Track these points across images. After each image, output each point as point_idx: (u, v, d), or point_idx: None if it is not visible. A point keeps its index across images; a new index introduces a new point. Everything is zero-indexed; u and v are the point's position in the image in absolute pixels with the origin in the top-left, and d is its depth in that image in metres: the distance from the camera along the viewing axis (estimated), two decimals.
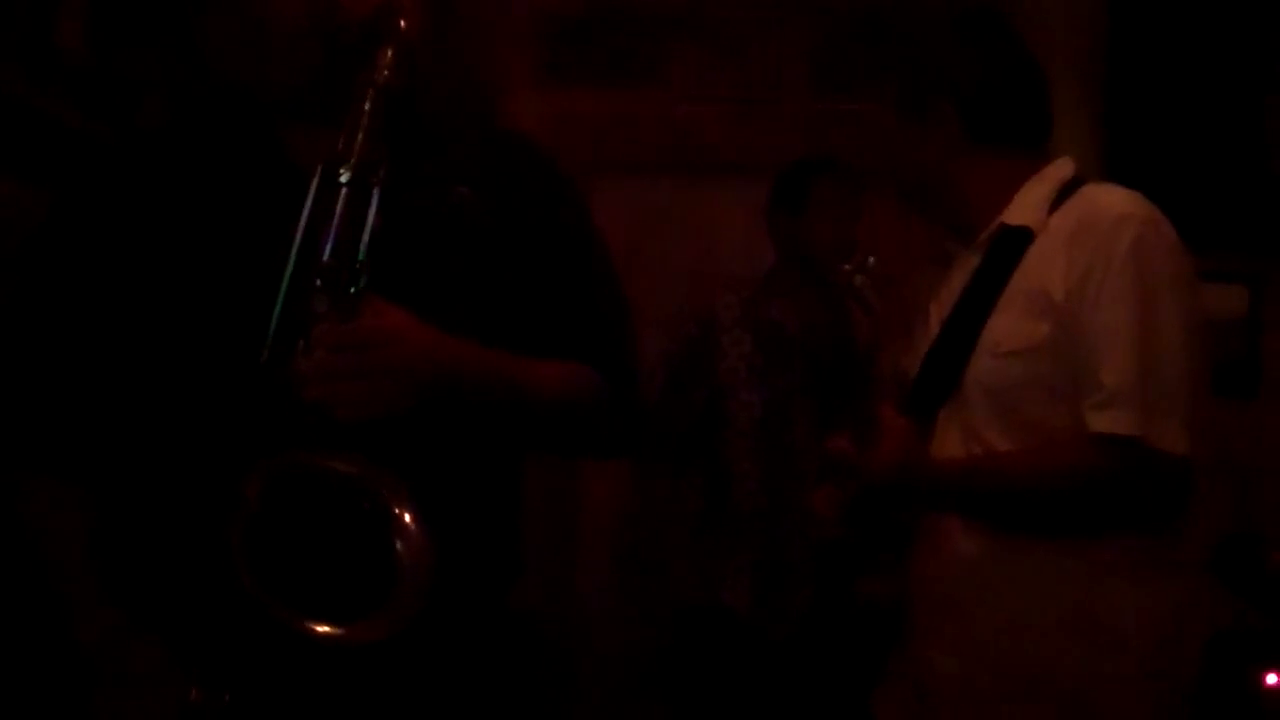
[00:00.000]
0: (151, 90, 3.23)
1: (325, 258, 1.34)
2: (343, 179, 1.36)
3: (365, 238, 1.35)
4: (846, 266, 2.07)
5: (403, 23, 1.44)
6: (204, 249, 1.50)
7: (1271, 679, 3.20)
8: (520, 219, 1.60)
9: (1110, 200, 1.92)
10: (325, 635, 1.31)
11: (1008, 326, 1.90)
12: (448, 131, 1.65)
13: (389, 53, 1.42)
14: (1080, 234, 1.87)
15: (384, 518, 1.29)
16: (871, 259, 2.06)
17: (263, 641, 1.34)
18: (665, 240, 4.36)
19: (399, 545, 1.28)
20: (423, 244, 1.51)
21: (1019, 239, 1.93)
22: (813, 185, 3.25)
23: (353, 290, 1.34)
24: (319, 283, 1.33)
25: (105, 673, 1.46)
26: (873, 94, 2.09)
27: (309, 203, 1.38)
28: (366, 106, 1.39)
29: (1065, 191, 1.96)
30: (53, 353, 1.54)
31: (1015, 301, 1.90)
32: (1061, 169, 2.00)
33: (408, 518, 1.29)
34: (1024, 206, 1.96)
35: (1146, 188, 1.94)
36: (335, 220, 1.35)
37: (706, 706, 3.23)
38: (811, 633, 3.09)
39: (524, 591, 1.67)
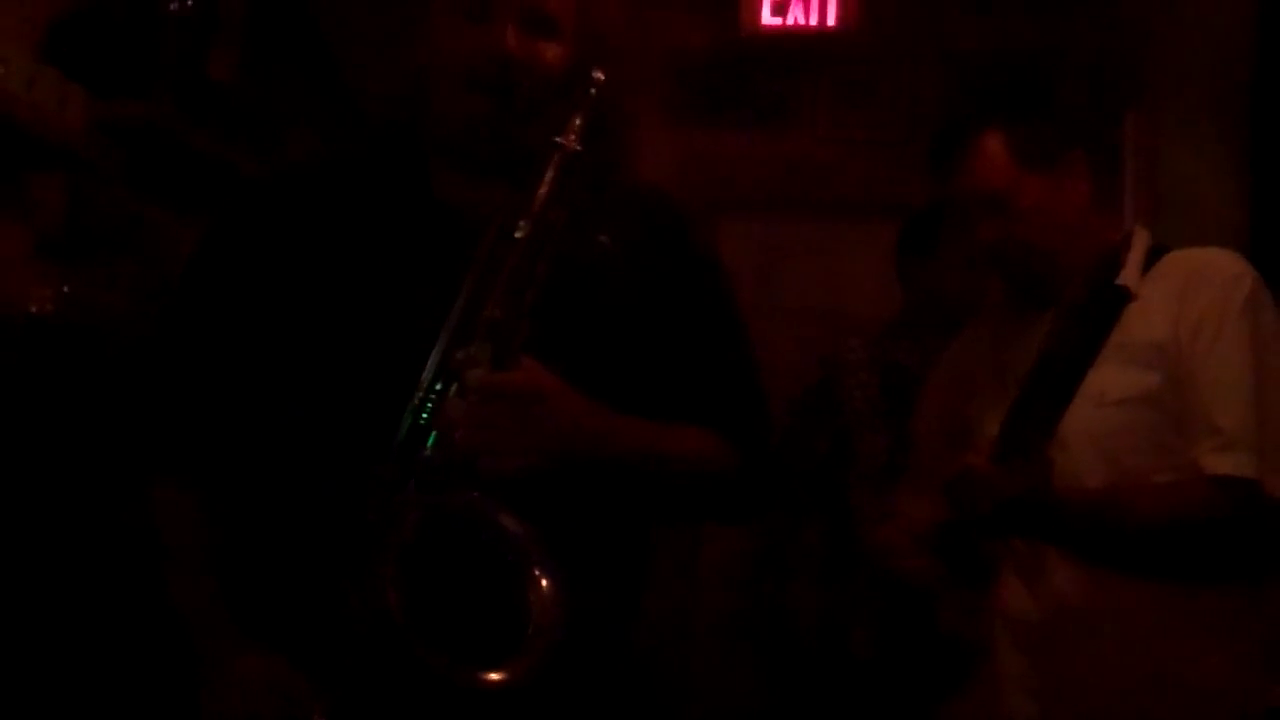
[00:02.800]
0: (298, 123, 3.32)
1: (490, 309, 1.36)
2: (518, 234, 1.38)
3: (532, 293, 1.37)
4: None
5: (593, 91, 1.46)
6: (351, 283, 1.51)
7: None
8: (656, 275, 1.61)
9: (1221, 259, 2.02)
10: (455, 677, 1.31)
11: (1112, 377, 1.93)
12: (596, 185, 1.65)
13: (578, 120, 1.44)
14: (1191, 289, 1.95)
15: (524, 573, 1.31)
16: None
17: (381, 676, 1.35)
18: (793, 281, 4.37)
19: (534, 602, 1.31)
20: (560, 290, 1.51)
21: (1115, 298, 1.95)
22: (944, 228, 3.21)
23: (512, 343, 1.36)
24: (481, 332, 1.36)
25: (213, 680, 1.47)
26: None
27: (480, 253, 1.40)
28: (552, 171, 1.41)
29: (1152, 256, 2.04)
30: (202, 372, 1.55)
31: (1116, 354, 1.93)
32: (1144, 236, 2.07)
33: (545, 580, 1.31)
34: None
35: None
36: (504, 273, 1.37)
37: None
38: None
39: (641, 632, 1.67)
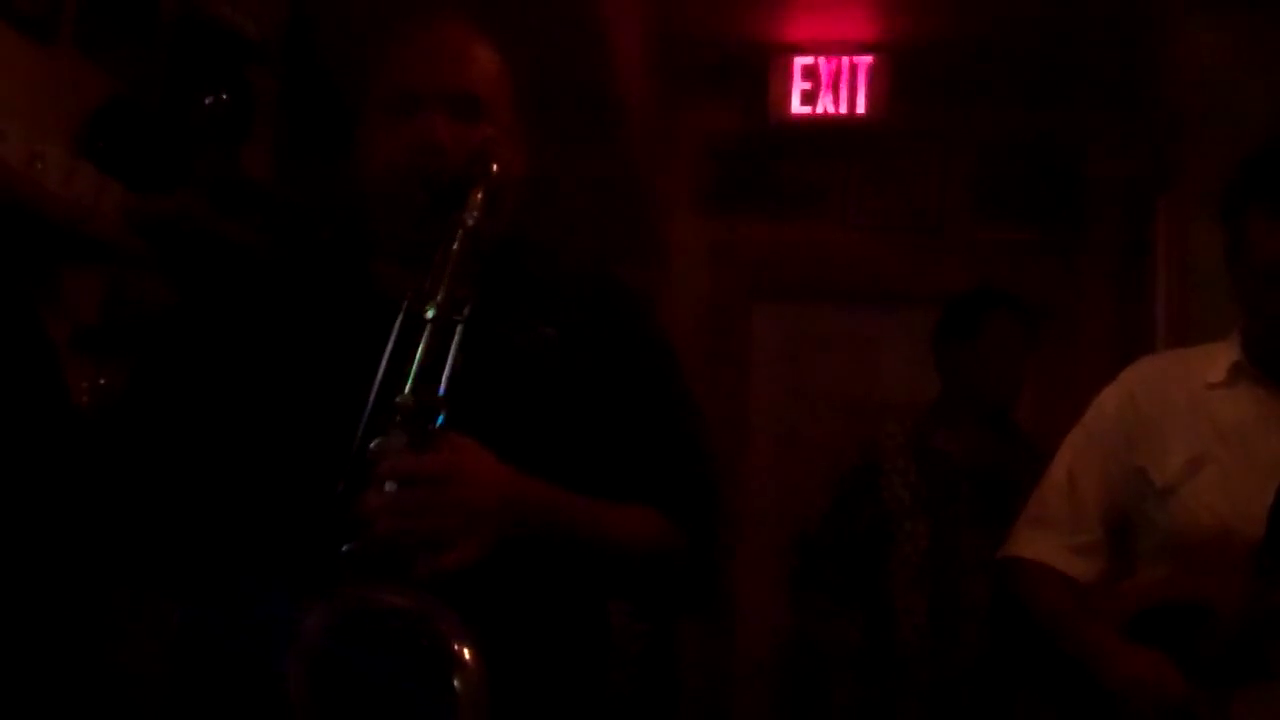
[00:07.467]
0: (331, 216, 3.33)
1: (405, 392, 1.33)
2: (428, 314, 1.37)
3: (446, 374, 1.34)
4: None
5: (494, 166, 1.48)
6: (290, 374, 1.52)
7: None
8: (605, 364, 1.60)
9: None
10: None
11: None
12: (544, 271, 1.67)
13: (478, 195, 1.45)
14: None
15: (443, 654, 1.24)
16: None
17: None
18: (825, 367, 4.36)
19: (458, 682, 1.24)
20: (504, 381, 1.51)
21: None
22: (985, 316, 3.20)
23: (431, 426, 1.32)
24: (397, 417, 1.32)
25: None
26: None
27: (393, 336, 1.38)
28: (455, 246, 1.41)
29: None
30: (149, 462, 1.55)
31: None
32: None
33: (467, 654, 1.24)
34: None
35: None
36: (418, 355, 1.35)
37: None
38: None
39: None
